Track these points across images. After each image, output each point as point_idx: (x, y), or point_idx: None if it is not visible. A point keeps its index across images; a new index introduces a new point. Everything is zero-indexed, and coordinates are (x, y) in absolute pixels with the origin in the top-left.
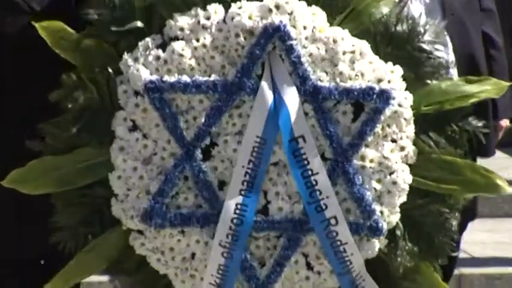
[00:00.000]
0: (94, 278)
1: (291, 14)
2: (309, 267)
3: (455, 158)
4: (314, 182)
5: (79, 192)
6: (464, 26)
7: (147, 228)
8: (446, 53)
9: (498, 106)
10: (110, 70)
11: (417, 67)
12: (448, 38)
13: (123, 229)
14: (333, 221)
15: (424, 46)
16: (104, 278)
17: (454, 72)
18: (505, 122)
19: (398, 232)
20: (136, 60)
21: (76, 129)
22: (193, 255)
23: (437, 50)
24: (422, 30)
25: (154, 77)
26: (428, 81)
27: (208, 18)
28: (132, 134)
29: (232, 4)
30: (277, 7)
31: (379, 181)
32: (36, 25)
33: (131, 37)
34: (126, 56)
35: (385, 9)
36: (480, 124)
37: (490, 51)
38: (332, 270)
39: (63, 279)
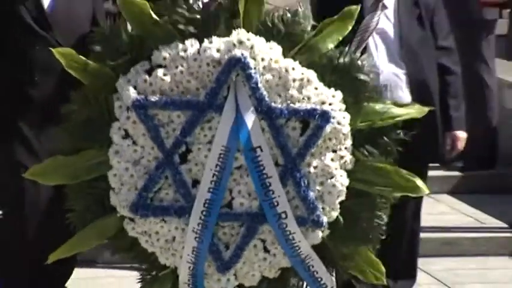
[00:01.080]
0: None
1: (251, 48)
2: (266, 250)
3: (385, 165)
4: (268, 184)
5: (87, 183)
6: (417, 56)
7: (136, 217)
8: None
9: (452, 119)
10: (108, 90)
11: (355, 92)
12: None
13: (118, 216)
14: (283, 215)
15: (361, 76)
16: None
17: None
18: (462, 134)
19: (338, 224)
20: (128, 81)
21: (82, 136)
22: (173, 238)
23: (371, 78)
24: (360, 63)
25: (140, 96)
26: (365, 104)
27: (185, 51)
28: (124, 140)
29: (205, 39)
30: (240, 42)
31: (321, 184)
32: (53, 50)
33: (126, 62)
34: (121, 78)
35: (330, 45)
36: (406, 137)
37: (445, 78)
38: (285, 253)
39: (67, 249)
